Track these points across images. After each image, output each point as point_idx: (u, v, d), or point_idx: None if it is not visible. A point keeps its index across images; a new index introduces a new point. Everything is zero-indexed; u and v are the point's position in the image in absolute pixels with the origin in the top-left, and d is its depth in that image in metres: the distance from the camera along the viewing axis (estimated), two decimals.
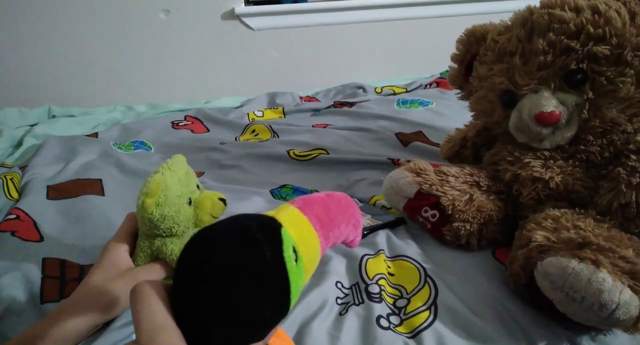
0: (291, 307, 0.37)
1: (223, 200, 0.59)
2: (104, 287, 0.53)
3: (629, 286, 0.49)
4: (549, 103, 0.65)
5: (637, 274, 0.50)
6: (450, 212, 0.70)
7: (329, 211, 0.44)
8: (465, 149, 0.89)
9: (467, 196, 0.71)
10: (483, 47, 0.77)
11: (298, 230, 0.39)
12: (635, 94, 0.63)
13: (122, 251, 0.57)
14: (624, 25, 0.62)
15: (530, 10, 0.70)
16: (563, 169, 0.67)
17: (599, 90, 0.64)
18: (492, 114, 0.77)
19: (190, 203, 0.56)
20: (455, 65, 0.83)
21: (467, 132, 0.90)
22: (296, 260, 0.37)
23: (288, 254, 0.36)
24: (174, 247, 0.57)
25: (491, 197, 0.72)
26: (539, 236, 0.58)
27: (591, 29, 0.63)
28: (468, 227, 0.69)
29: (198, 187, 0.60)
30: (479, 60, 0.78)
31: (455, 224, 0.70)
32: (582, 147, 0.68)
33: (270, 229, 0.37)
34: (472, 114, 0.86)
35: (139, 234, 0.59)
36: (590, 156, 0.68)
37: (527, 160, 0.70)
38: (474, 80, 0.79)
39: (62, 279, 0.64)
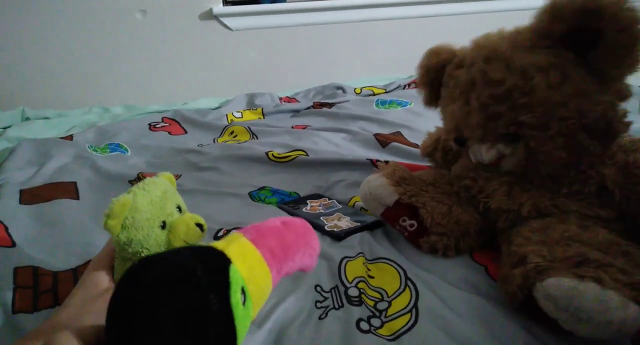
0: None
1: (200, 225, 0.54)
2: (80, 315, 0.48)
3: (633, 299, 0.48)
4: (492, 154, 0.67)
5: (636, 285, 0.50)
6: (428, 224, 0.69)
7: (283, 242, 0.42)
8: (436, 151, 0.89)
9: (446, 208, 0.70)
10: (445, 78, 0.74)
11: (248, 266, 0.37)
12: (566, 158, 0.62)
13: (101, 270, 0.53)
14: (552, 92, 0.59)
15: (473, 56, 0.66)
16: (530, 194, 0.66)
17: (532, 149, 0.63)
18: None
19: (164, 227, 0.52)
20: (423, 91, 0.81)
21: (442, 134, 0.89)
22: (244, 302, 0.34)
23: (236, 299, 0.33)
24: None
25: (469, 210, 0.71)
26: (534, 256, 0.56)
27: (517, 97, 0.60)
28: (445, 241, 0.69)
29: (180, 209, 0.55)
30: (445, 85, 0.74)
31: (433, 237, 0.69)
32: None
33: (217, 270, 0.33)
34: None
35: (115, 255, 0.56)
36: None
37: (492, 187, 0.69)
38: (441, 106, 0.76)
39: (35, 288, 0.63)
